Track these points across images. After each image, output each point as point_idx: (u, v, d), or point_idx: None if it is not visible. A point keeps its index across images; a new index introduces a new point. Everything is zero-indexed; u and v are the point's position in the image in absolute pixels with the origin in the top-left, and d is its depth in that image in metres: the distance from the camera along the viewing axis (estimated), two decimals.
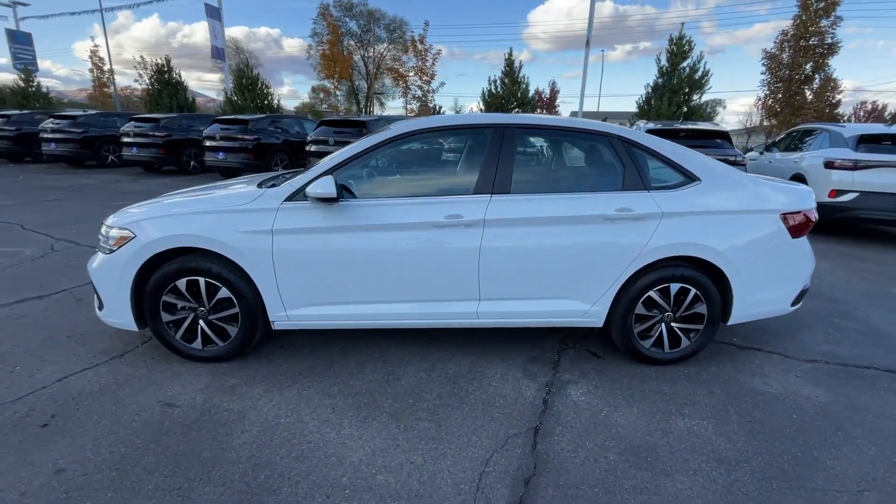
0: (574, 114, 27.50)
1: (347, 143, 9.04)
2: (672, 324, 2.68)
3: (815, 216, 2.74)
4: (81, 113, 12.64)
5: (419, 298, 2.57)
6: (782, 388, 2.55)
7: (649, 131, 6.73)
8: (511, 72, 16.92)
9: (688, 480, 1.86)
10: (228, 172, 10.84)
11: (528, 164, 3.71)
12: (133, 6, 27.59)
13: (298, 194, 2.47)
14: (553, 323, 2.69)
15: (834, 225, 6.50)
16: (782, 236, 2.64)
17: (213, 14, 20.52)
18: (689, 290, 2.60)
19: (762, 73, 20.44)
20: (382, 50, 37.18)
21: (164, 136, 11.39)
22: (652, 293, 2.61)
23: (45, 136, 12.08)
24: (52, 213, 6.60)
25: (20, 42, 25.59)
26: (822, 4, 18.36)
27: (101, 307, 2.60)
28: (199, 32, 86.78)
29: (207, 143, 10.51)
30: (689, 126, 7.76)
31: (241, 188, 2.79)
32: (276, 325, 2.60)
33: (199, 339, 2.59)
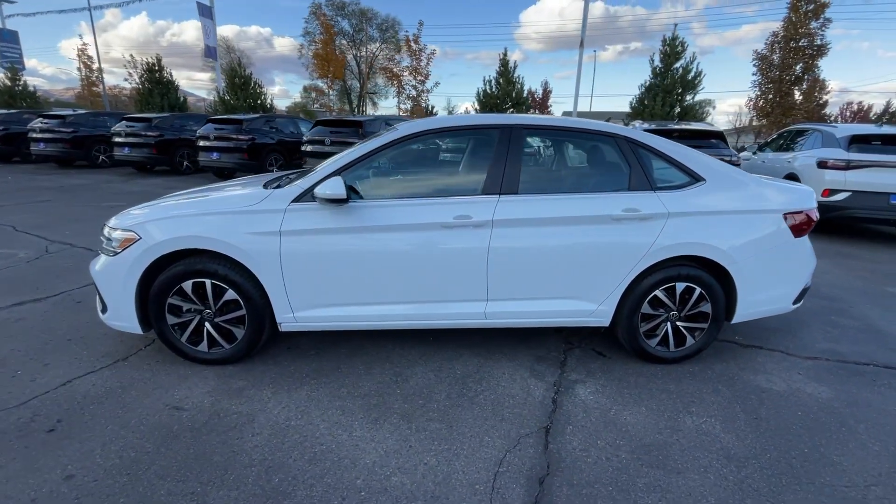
0: (567, 114, 27.63)
1: (344, 143, 8.96)
2: (677, 322, 2.71)
3: (816, 216, 2.78)
4: (71, 112, 12.46)
5: (427, 299, 2.57)
6: (786, 386, 2.59)
7: (645, 131, 6.79)
8: (506, 72, 16.93)
9: (699, 478, 1.88)
10: (223, 173, 10.76)
11: (535, 164, 3.73)
12: (121, 4, 27.10)
13: (306, 195, 2.46)
14: (560, 323, 2.70)
15: (827, 224, 6.61)
16: (785, 236, 2.68)
17: (206, 13, 20.30)
18: (695, 289, 2.63)
19: (753, 74, 20.75)
20: (375, 49, 37.12)
21: (156, 135, 11.24)
22: (658, 292, 2.63)
23: (34, 135, 11.88)
24: (44, 215, 6.49)
25: (6, 40, 25.11)
26: (811, 6, 18.65)
27: (104, 310, 2.57)
28: (187, 31, 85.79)
29: (201, 143, 10.37)
30: (685, 126, 7.85)
31: (246, 189, 2.76)
32: (284, 327, 2.59)
33: (205, 341, 2.57)
